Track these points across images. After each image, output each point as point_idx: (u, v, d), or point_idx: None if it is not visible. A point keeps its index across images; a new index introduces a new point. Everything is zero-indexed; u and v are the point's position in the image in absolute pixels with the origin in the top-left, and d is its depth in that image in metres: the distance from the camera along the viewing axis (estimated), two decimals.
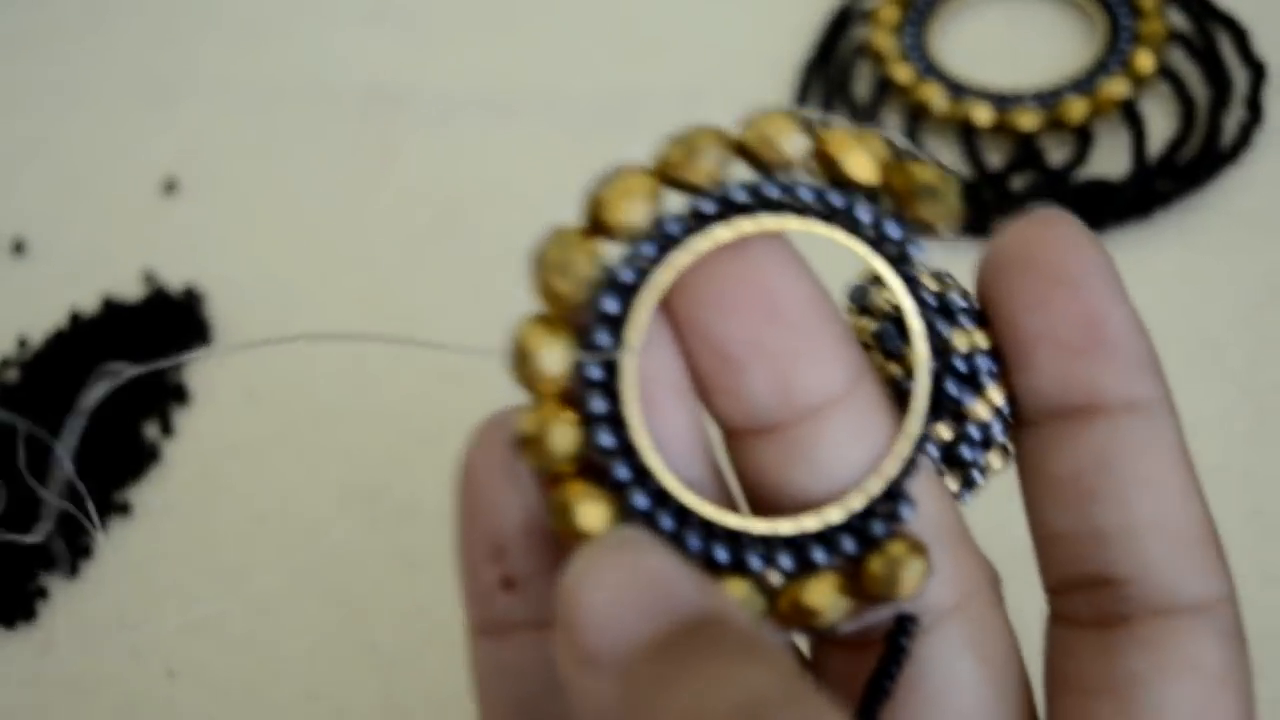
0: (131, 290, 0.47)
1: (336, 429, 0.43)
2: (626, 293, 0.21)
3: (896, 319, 0.22)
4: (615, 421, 0.21)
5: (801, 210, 0.21)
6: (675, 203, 0.21)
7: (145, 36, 0.55)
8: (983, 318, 0.22)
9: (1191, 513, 0.21)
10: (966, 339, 0.22)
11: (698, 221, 0.21)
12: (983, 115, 0.47)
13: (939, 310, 0.22)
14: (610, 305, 0.20)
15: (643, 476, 0.21)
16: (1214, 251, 0.43)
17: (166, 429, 0.44)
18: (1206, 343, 0.41)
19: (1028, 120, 0.46)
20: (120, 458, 0.43)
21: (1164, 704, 0.20)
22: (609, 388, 0.21)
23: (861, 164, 0.21)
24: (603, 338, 0.20)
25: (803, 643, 0.23)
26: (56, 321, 0.46)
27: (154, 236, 0.49)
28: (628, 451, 0.21)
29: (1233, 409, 0.39)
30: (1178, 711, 0.20)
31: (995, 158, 0.46)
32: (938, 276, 0.22)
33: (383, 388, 0.43)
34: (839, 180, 0.21)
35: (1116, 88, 0.47)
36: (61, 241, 0.49)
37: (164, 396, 0.44)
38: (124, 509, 0.42)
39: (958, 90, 0.48)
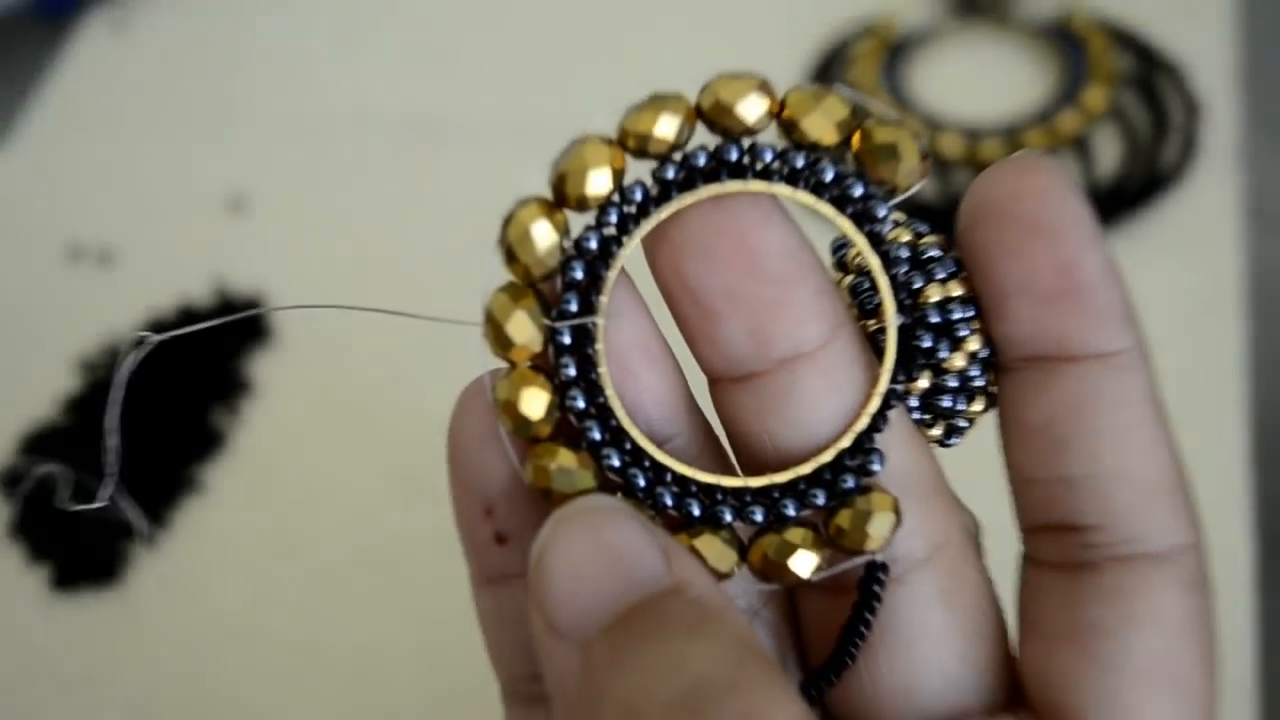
0: (203, 295, 0.46)
1: (383, 420, 0.43)
2: (593, 260, 0.19)
3: (870, 274, 0.20)
4: (587, 384, 0.19)
5: (764, 172, 0.19)
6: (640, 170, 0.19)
7: (215, 73, 0.55)
8: (963, 266, 0.19)
9: (1159, 463, 0.19)
10: (940, 290, 0.19)
11: (661, 188, 0.19)
12: (953, 146, 0.46)
13: (913, 264, 0.19)
14: (577, 273, 0.19)
15: (617, 436, 0.19)
16: (1154, 267, 0.42)
17: (234, 417, 0.44)
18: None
19: (991, 150, 0.45)
20: (193, 441, 0.43)
21: (1125, 654, 0.19)
22: (580, 352, 0.19)
23: (821, 125, 0.19)
24: (571, 304, 0.19)
25: None
26: (138, 321, 0.46)
27: (222, 248, 0.48)
28: (601, 413, 0.19)
29: (1170, 411, 0.39)
30: (1138, 662, 0.19)
31: (962, 184, 0.46)
32: (913, 229, 0.20)
33: (423, 383, 0.42)
34: (800, 142, 0.19)
35: (1070, 122, 0.46)
36: (142, 252, 0.49)
37: (232, 388, 0.44)
38: (197, 487, 0.42)
39: (931, 124, 0.47)
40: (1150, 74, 0.48)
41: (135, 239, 0.49)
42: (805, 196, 0.19)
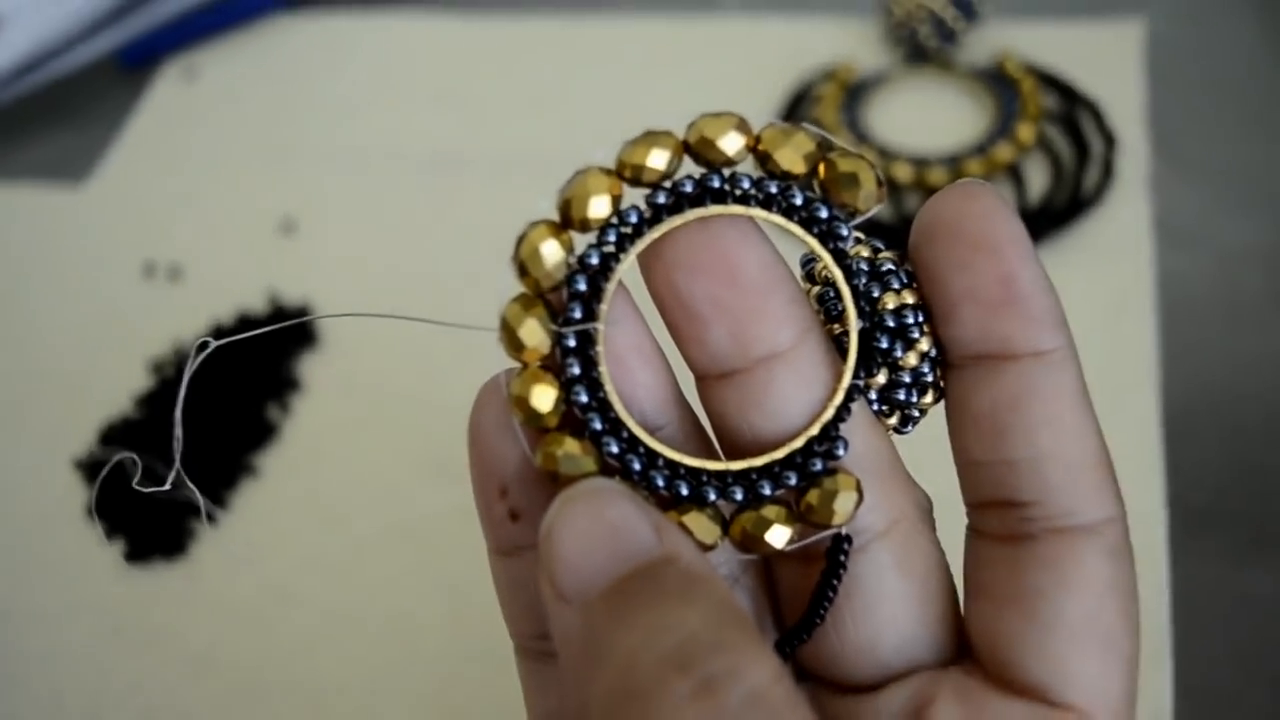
0: (258, 306, 0.46)
1: (413, 413, 0.42)
2: (594, 274, 0.19)
3: (835, 285, 0.19)
4: (589, 381, 0.19)
5: (743, 198, 0.18)
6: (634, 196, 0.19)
7: (270, 115, 0.54)
8: (914, 278, 0.19)
9: (1087, 447, 0.19)
10: (895, 298, 0.19)
11: (654, 211, 0.18)
12: (904, 174, 0.45)
13: (871, 276, 0.19)
14: (580, 285, 0.18)
15: (615, 426, 0.19)
16: (1078, 277, 0.41)
17: (285, 411, 0.43)
18: None
19: (937, 177, 0.45)
20: (250, 432, 0.43)
21: (1059, 614, 0.18)
22: (583, 353, 0.19)
23: (790, 158, 0.19)
24: (575, 312, 0.18)
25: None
26: (203, 328, 0.46)
27: (275, 265, 0.48)
28: (601, 406, 0.19)
29: (1094, 401, 0.39)
30: (1070, 620, 0.18)
31: (913, 207, 0.46)
32: (872, 245, 0.20)
33: (449, 381, 0.42)
34: (773, 171, 0.19)
35: (1004, 153, 0.46)
36: (207, 269, 0.48)
37: (283, 386, 0.44)
38: (252, 472, 0.42)
39: (885, 154, 0.46)
40: (1072, 111, 0.47)
41: (201, 257, 0.49)
42: (778, 218, 0.19)
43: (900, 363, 0.19)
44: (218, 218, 0.51)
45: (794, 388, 0.19)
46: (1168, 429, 0.38)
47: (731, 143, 0.18)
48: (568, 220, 0.19)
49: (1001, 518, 0.19)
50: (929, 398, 0.20)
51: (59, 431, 0.44)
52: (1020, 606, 0.19)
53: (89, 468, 0.43)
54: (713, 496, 0.19)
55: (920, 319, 0.19)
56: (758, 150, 0.19)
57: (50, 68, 0.57)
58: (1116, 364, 0.40)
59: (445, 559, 0.39)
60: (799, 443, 0.19)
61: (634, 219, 0.19)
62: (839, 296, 0.19)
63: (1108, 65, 0.49)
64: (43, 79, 0.57)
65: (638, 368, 0.19)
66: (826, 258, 0.19)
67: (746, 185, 0.19)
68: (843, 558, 0.19)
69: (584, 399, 0.19)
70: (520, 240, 0.19)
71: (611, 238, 0.19)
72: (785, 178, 0.19)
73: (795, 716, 0.16)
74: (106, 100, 0.57)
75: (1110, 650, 0.19)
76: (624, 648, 0.16)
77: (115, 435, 0.43)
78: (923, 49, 0.50)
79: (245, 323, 0.46)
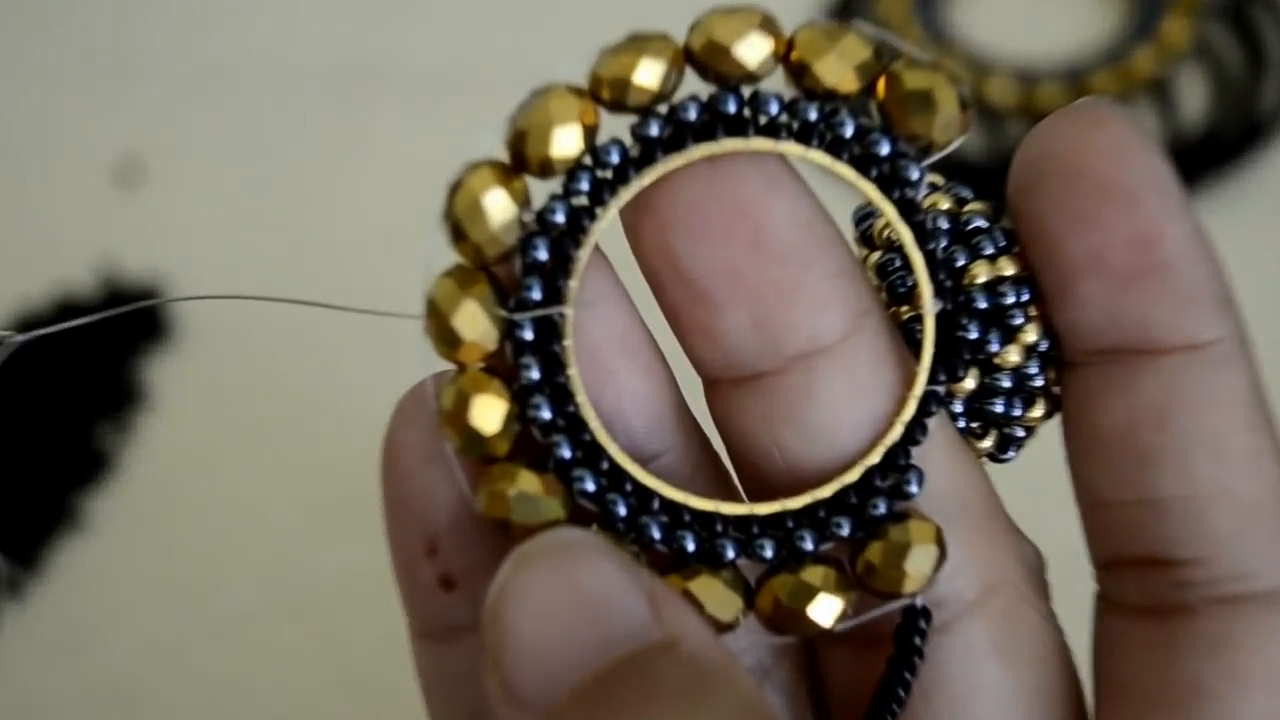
0: (85, 284, 0.46)
1: (306, 435, 0.43)
2: (560, 237, 0.18)
3: (902, 250, 0.19)
4: (554, 389, 0.18)
5: (770, 127, 0.18)
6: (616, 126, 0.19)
7: (102, 13, 0.54)
8: (1015, 239, 0.19)
9: (1266, 480, 0.18)
10: (989, 269, 0.19)
11: (643, 148, 0.18)
12: (1002, 92, 0.46)
13: (955, 237, 0.19)
14: (541, 252, 0.18)
15: (591, 453, 0.19)
16: (1252, 235, 0.41)
17: (124, 434, 0.43)
18: None
19: (1049, 97, 0.45)
20: (72, 464, 0.42)
21: None
22: (545, 350, 0.18)
23: (837, 70, 0.18)
24: (534, 291, 0.18)
25: None
26: (4, 315, 0.45)
27: (111, 225, 0.48)
28: (571, 425, 0.19)
29: (1274, 404, 0.39)
30: None
31: (1015, 138, 0.47)
32: (955, 194, 0.20)
33: (356, 392, 0.42)
34: (813, 90, 0.18)
35: (1145, 62, 0.46)
36: (11, 231, 0.48)
37: (122, 399, 0.44)
38: (77, 522, 0.42)
39: (977, 66, 0.46)
40: (1242, 2, 0.48)
41: (2, 215, 0.49)
42: (820, 156, 0.19)
43: (997, 360, 0.19)
44: (27, 161, 0.51)
45: (845, 396, 0.19)
46: None
47: (753, 49, 0.18)
48: (522, 161, 0.19)
49: (1145, 581, 0.19)
50: (1038, 410, 0.20)
51: None
52: (1175, 709, 0.19)
53: None
54: (731, 554, 0.19)
55: (1024, 298, 0.19)
56: (791, 60, 0.19)
57: None
58: None
59: (349, 643, 0.39)
60: (853, 475, 0.19)
61: (615, 159, 0.19)
62: (908, 266, 0.19)
63: None
64: None
65: (622, 369, 0.19)
66: (890, 211, 0.19)
67: (775, 110, 0.19)
68: (919, 640, 0.19)
69: (546, 415, 0.19)
70: (455, 189, 0.18)
71: (584, 185, 0.19)
72: (830, 98, 0.19)
73: None
74: None
75: None
76: None
77: None
78: None
79: (66, 309, 0.46)
